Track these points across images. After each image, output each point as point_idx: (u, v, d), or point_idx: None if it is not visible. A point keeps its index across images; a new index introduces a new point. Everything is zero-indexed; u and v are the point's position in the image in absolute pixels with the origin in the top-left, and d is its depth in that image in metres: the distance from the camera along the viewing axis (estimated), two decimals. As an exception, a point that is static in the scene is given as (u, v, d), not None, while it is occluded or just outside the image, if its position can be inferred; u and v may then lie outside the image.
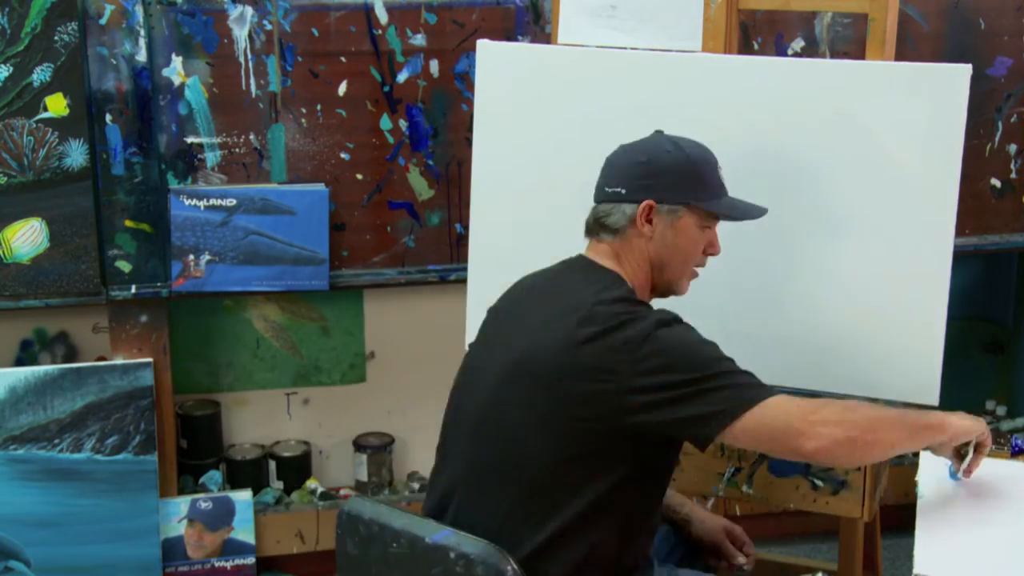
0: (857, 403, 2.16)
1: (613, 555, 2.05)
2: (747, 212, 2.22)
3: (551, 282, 2.17)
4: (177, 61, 3.10)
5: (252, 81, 3.16)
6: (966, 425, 2.15)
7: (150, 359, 3.19)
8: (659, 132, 2.22)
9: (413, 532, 2.01)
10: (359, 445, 3.55)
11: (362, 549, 2.09)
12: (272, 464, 3.50)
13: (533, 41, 3.18)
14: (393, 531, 2.04)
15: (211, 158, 3.17)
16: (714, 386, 1.98)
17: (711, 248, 2.20)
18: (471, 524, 2.02)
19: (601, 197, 2.17)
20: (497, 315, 2.23)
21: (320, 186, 3.21)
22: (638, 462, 2.02)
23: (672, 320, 2.04)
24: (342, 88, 3.20)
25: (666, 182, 2.12)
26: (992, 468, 2.22)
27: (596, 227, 2.16)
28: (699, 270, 2.23)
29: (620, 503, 2.02)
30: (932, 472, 2.21)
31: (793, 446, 1.97)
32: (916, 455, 2.28)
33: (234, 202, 3.16)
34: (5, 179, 3.04)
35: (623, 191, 2.13)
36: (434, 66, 3.23)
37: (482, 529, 2.00)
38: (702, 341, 2.04)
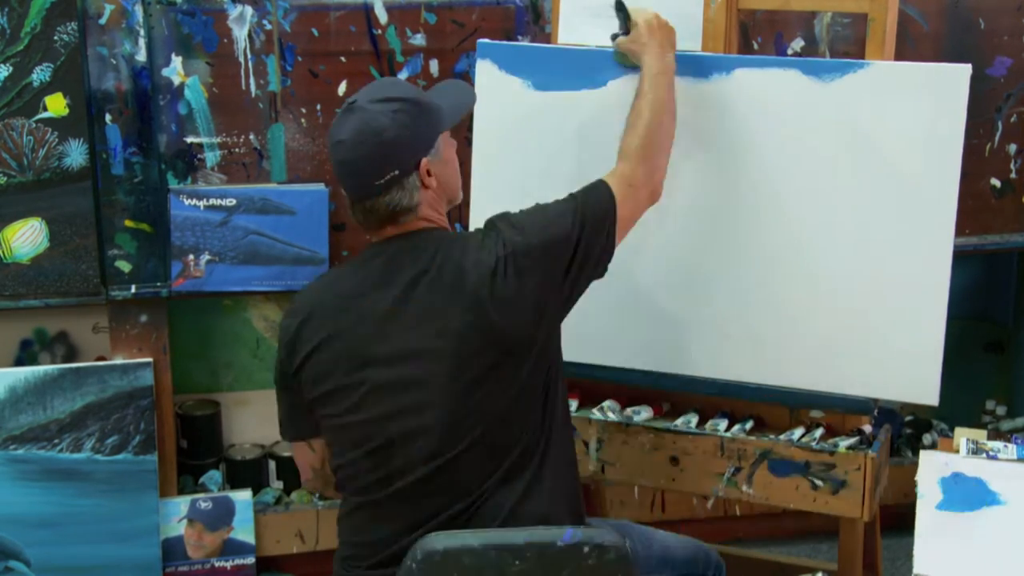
0: (636, 126, 2.35)
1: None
2: (465, 99, 2.34)
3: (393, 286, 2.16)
4: (177, 61, 3.10)
5: (252, 81, 3.16)
6: (672, 57, 2.45)
7: (150, 359, 3.19)
8: (350, 104, 2.18)
9: (541, 541, 1.97)
10: (359, 445, 3.54)
11: None
12: (272, 464, 3.50)
13: (533, 41, 3.18)
14: (516, 548, 1.96)
15: (211, 158, 3.17)
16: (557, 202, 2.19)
17: (455, 146, 2.27)
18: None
19: (376, 192, 2.13)
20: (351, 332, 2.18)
21: (320, 186, 3.21)
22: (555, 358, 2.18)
23: (499, 221, 2.18)
24: (342, 88, 3.20)
25: (420, 135, 2.15)
26: (992, 468, 2.22)
27: (391, 216, 2.15)
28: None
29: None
30: (932, 472, 2.21)
31: (644, 207, 2.32)
32: (915, 454, 2.27)
33: (234, 202, 3.16)
34: (5, 179, 3.04)
35: (396, 172, 2.12)
36: (434, 66, 3.22)
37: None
38: (521, 213, 2.20)
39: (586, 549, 1.94)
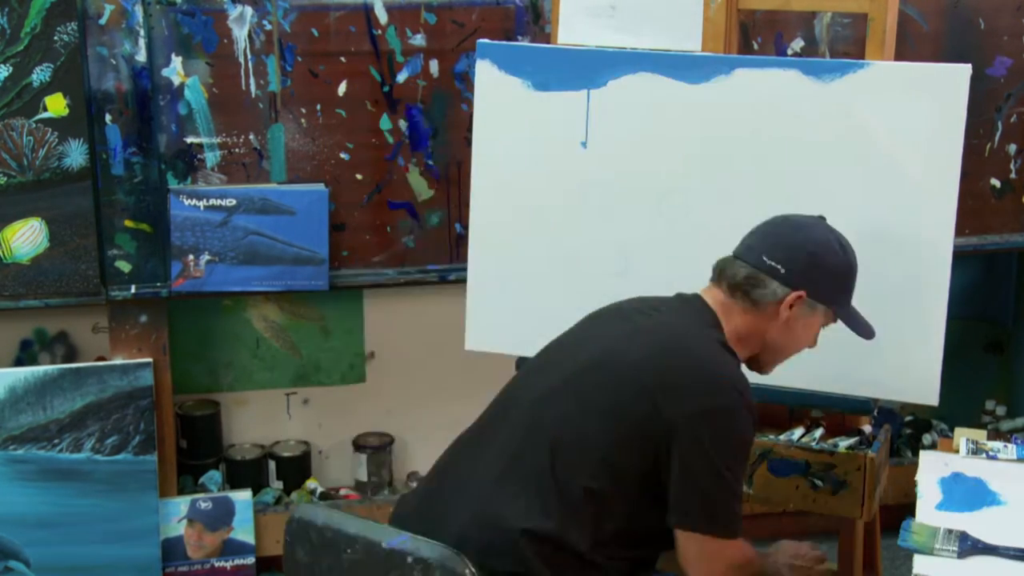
0: None
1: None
2: (865, 328, 2.25)
3: (656, 302, 2.19)
4: (177, 61, 3.10)
5: (252, 81, 3.16)
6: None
7: (150, 359, 3.19)
8: (822, 218, 2.21)
9: (369, 537, 2.00)
10: (359, 445, 3.55)
11: (313, 556, 2.08)
12: (272, 464, 3.50)
13: (533, 41, 3.18)
14: (348, 537, 2.02)
15: (211, 158, 3.17)
16: (723, 496, 2.04)
17: (813, 343, 2.24)
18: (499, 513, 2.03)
19: (753, 261, 2.14)
20: (594, 319, 2.24)
21: (320, 186, 3.21)
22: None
23: (752, 405, 2.07)
24: (342, 88, 3.20)
25: (826, 283, 2.15)
26: (992, 468, 2.22)
27: (735, 288, 2.15)
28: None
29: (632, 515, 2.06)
30: (932, 472, 2.21)
31: None
32: (915, 454, 2.27)
33: (234, 202, 3.16)
34: (5, 179, 3.04)
35: (782, 270, 2.12)
36: (434, 66, 3.22)
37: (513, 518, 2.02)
38: (750, 442, 2.11)
39: (410, 559, 1.94)
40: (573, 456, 2.03)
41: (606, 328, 2.18)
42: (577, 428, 2.04)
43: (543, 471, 2.03)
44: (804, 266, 2.13)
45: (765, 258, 2.13)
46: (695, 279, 2.51)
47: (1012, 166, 3.41)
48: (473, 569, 1.91)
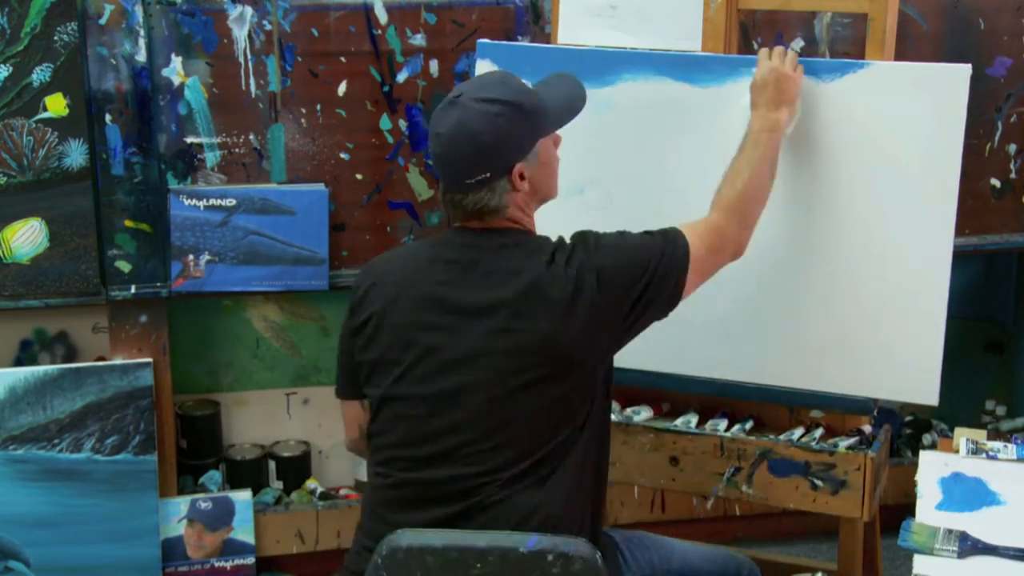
0: (734, 181, 2.34)
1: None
2: (573, 99, 2.29)
3: (479, 266, 2.15)
4: (177, 61, 3.10)
5: (252, 81, 3.16)
6: (783, 113, 2.41)
7: (150, 359, 3.19)
8: (456, 98, 2.13)
9: (503, 546, 1.95)
10: (359, 445, 3.55)
11: None
12: (272, 464, 3.50)
13: (533, 41, 3.18)
14: (478, 552, 1.95)
15: (211, 158, 3.17)
16: (662, 270, 2.14)
17: (557, 143, 2.25)
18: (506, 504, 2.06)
19: (464, 189, 2.13)
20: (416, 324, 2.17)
21: (320, 186, 3.21)
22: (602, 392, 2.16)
23: (582, 238, 2.16)
24: (342, 88, 3.20)
25: (517, 141, 2.13)
26: (992, 468, 2.22)
27: (476, 213, 2.15)
28: None
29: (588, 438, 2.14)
30: (932, 472, 2.21)
31: (726, 261, 2.31)
32: (915, 454, 2.27)
33: (234, 202, 3.16)
34: (5, 179, 3.04)
35: (488, 174, 2.11)
36: (434, 66, 3.22)
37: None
38: (617, 236, 2.19)
39: (550, 558, 1.92)
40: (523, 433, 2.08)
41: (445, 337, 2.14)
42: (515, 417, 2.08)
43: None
44: (494, 154, 2.10)
45: (468, 180, 2.11)
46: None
47: (1012, 166, 3.41)
48: (601, 554, 1.94)
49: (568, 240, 2.17)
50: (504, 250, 2.13)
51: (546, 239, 2.17)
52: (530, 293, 2.08)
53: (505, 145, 2.11)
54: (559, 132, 2.24)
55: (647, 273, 2.13)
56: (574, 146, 2.70)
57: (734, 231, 2.30)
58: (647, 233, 2.20)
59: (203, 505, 3.29)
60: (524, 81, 2.21)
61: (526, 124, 2.14)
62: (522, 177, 2.14)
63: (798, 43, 3.27)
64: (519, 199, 2.16)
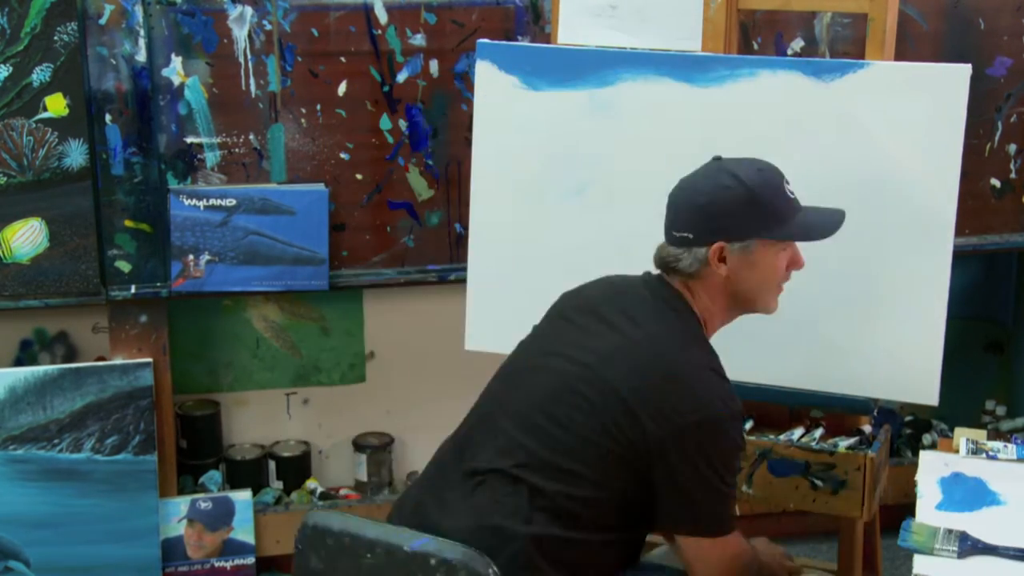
0: None
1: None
2: (822, 229, 2.23)
3: (629, 299, 2.18)
4: (177, 61, 3.10)
5: (252, 81, 3.16)
6: None
7: (150, 359, 3.19)
8: (717, 159, 2.20)
9: (390, 541, 1.98)
10: (359, 445, 3.55)
11: (328, 562, 2.04)
12: (272, 464, 3.50)
13: (533, 41, 3.18)
14: (367, 542, 2.00)
15: (211, 158, 3.17)
16: (715, 499, 2.07)
17: (794, 264, 2.22)
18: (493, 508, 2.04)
19: (670, 240, 2.17)
20: (565, 317, 2.24)
21: (320, 186, 3.21)
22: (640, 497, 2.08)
23: (738, 414, 2.09)
24: (342, 88, 3.20)
25: (732, 221, 2.12)
26: (992, 468, 2.22)
27: (667, 270, 2.18)
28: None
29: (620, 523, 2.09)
30: (932, 472, 2.21)
31: None
32: (915, 454, 2.27)
33: (234, 202, 3.16)
34: (5, 179, 3.04)
35: (691, 236, 2.13)
36: (434, 66, 3.22)
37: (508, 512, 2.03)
38: (739, 448, 2.12)
39: (433, 561, 1.93)
40: (557, 471, 2.04)
41: (581, 334, 2.16)
42: (561, 449, 2.05)
43: (534, 486, 2.04)
44: (704, 220, 2.13)
45: (674, 232, 2.16)
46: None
47: (1012, 166, 3.41)
48: (496, 569, 1.92)
49: (693, 389, 2.06)
50: (644, 300, 2.15)
51: (692, 346, 2.12)
52: (618, 356, 2.08)
53: (717, 217, 2.12)
54: (802, 259, 2.21)
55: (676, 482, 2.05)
56: (574, 146, 2.71)
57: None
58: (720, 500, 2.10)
59: (203, 505, 3.29)
60: (788, 185, 2.18)
61: (749, 211, 2.12)
62: (722, 260, 2.13)
63: (798, 43, 3.28)
64: (711, 284, 2.15)
